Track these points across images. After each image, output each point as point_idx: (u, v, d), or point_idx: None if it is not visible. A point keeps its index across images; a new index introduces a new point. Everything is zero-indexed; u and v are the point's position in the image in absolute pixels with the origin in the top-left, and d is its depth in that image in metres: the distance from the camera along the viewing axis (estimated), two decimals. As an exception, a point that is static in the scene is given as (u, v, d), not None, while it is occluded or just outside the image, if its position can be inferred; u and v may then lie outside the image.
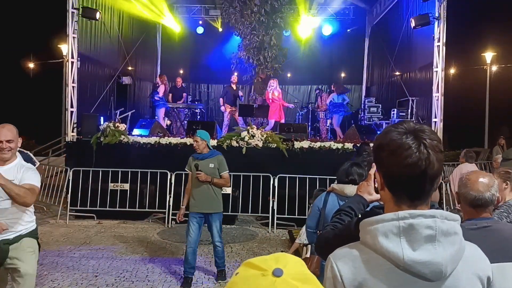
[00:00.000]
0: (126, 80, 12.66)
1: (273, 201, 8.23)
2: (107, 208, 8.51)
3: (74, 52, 9.82)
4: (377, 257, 1.17)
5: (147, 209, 8.66)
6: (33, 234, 3.44)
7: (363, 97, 15.97)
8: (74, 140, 9.63)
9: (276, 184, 8.26)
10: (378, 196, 1.74)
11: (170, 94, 12.98)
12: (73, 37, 9.79)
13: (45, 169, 10.56)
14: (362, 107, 14.65)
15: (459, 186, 2.33)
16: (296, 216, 8.11)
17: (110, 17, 12.05)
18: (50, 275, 5.46)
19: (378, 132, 10.79)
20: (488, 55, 20.74)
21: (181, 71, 16.30)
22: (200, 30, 15.73)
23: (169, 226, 8.29)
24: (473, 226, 2.14)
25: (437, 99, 9.62)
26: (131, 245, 6.97)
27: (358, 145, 8.10)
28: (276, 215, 8.18)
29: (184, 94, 13.46)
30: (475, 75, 23.33)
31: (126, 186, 8.62)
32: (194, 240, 5.24)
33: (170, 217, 8.34)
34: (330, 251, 1.32)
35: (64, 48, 15.15)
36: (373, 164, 1.65)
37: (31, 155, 5.51)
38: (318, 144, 8.99)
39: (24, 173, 3.27)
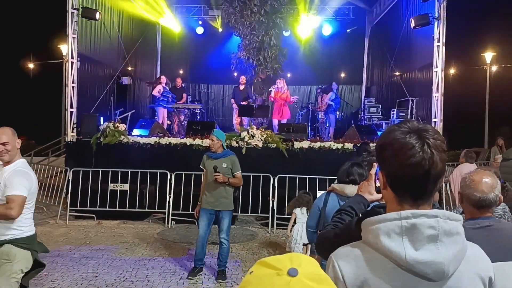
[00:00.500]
0: (126, 80, 12.65)
1: (273, 201, 8.23)
2: (107, 208, 8.51)
3: (74, 52, 9.82)
4: (379, 256, 1.17)
5: (147, 209, 8.65)
6: (19, 242, 3.21)
7: (363, 97, 15.97)
8: (74, 140, 9.63)
9: (276, 184, 8.26)
10: (379, 196, 1.74)
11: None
12: (73, 37, 9.79)
13: (45, 169, 10.57)
14: (362, 107, 14.65)
15: (463, 186, 2.32)
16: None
17: (110, 17, 12.05)
18: (50, 275, 5.45)
19: (378, 132, 10.84)
20: (488, 55, 20.75)
21: (181, 71, 16.31)
22: (200, 30, 15.73)
23: (169, 226, 8.29)
24: (475, 226, 2.13)
25: (437, 99, 9.63)
26: (131, 245, 6.97)
27: (358, 145, 8.11)
28: (276, 215, 8.17)
29: (184, 95, 13.46)
30: (475, 75, 23.36)
31: (126, 186, 8.61)
32: (203, 234, 5.52)
33: (170, 217, 8.34)
34: (330, 251, 1.32)
35: (64, 48, 15.17)
36: (374, 164, 1.65)
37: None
38: (318, 144, 8.99)
39: (8, 178, 3.16)
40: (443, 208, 5.87)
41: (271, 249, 7.09)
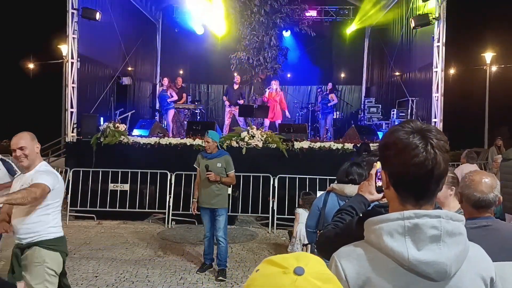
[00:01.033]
0: (126, 80, 12.66)
1: (273, 202, 8.23)
2: (107, 209, 8.51)
3: (74, 53, 9.83)
4: (382, 256, 1.17)
5: (147, 210, 8.66)
6: (47, 243, 3.18)
7: (363, 97, 15.98)
8: (74, 141, 9.63)
9: (276, 185, 8.26)
10: (379, 195, 1.75)
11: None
12: (73, 38, 9.80)
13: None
14: (362, 107, 14.67)
15: (462, 186, 2.32)
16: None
17: (110, 17, 12.04)
18: (50, 275, 5.45)
19: (378, 133, 10.84)
20: (488, 55, 20.75)
21: (181, 72, 16.30)
22: (200, 30, 15.70)
23: (169, 227, 8.29)
24: (473, 225, 2.14)
25: (437, 99, 9.63)
26: (131, 246, 6.97)
27: (358, 145, 8.11)
28: (276, 216, 8.18)
29: (184, 95, 13.46)
30: (475, 75, 23.36)
31: (126, 187, 8.62)
32: (208, 231, 5.73)
33: (170, 217, 8.34)
34: (331, 250, 1.32)
35: (64, 48, 15.16)
36: (374, 164, 1.65)
37: (13, 164, 5.50)
38: (318, 144, 9.00)
39: (34, 175, 3.20)
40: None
41: (271, 249, 7.09)
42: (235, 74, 13.24)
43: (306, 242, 4.95)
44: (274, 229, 8.13)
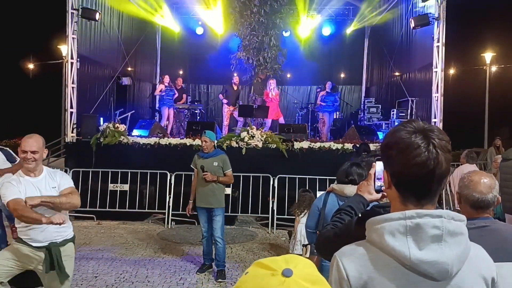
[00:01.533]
0: (125, 81, 12.66)
1: (272, 202, 8.23)
2: (107, 209, 8.51)
3: (74, 53, 9.83)
4: (384, 255, 1.17)
5: (146, 210, 8.66)
6: (73, 239, 3.55)
7: (362, 97, 15.98)
8: (73, 141, 9.63)
9: (275, 185, 8.26)
10: (378, 195, 1.75)
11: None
12: (73, 38, 9.80)
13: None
14: (362, 107, 14.66)
15: (461, 186, 2.32)
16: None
17: (109, 17, 12.05)
18: (50, 276, 5.45)
19: (378, 133, 10.84)
20: (488, 56, 20.75)
21: (181, 72, 16.29)
22: (199, 30, 15.72)
23: (169, 227, 8.29)
24: (470, 226, 2.13)
25: (437, 100, 9.63)
26: (130, 246, 6.97)
27: (358, 145, 8.11)
28: (276, 216, 8.18)
29: (184, 95, 13.47)
30: (475, 75, 23.35)
31: (126, 187, 8.62)
32: (205, 231, 5.71)
33: (170, 217, 8.34)
34: (330, 250, 1.32)
35: (64, 48, 15.15)
36: (373, 164, 1.65)
37: (11, 152, 5.53)
38: (317, 145, 9.00)
39: (60, 179, 3.38)
40: (443, 208, 5.87)
41: (271, 249, 7.09)
42: (235, 74, 13.24)
43: (307, 242, 4.95)
44: (274, 229, 8.13)
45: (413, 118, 11.10)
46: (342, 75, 16.72)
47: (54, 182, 3.35)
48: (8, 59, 24.36)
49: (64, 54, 15.93)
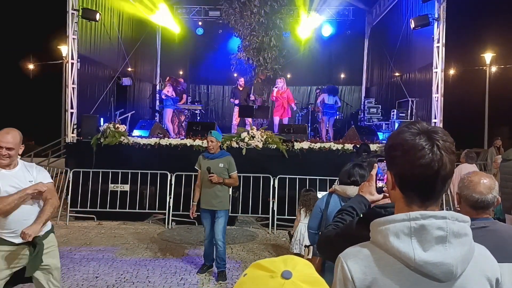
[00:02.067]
0: (126, 81, 12.66)
1: (273, 202, 8.24)
2: (107, 209, 8.51)
3: (74, 53, 9.83)
4: (388, 257, 1.17)
5: (147, 210, 8.66)
6: (53, 229, 3.60)
7: (362, 98, 15.99)
8: (74, 141, 9.63)
9: (276, 185, 8.27)
10: (379, 196, 1.75)
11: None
12: (73, 38, 9.80)
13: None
14: (362, 108, 14.67)
15: (461, 187, 2.32)
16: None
17: (110, 18, 12.06)
18: (51, 276, 5.46)
19: (378, 133, 10.84)
20: (488, 56, 20.77)
21: (181, 72, 16.32)
22: (200, 31, 15.74)
23: (169, 227, 8.29)
24: (470, 226, 2.14)
25: (437, 100, 9.63)
26: (131, 246, 6.98)
27: (358, 145, 8.12)
28: (276, 216, 8.18)
29: (184, 95, 13.47)
30: (475, 76, 23.37)
31: (126, 187, 8.62)
32: (208, 233, 5.66)
33: (170, 218, 8.35)
34: (331, 250, 1.33)
35: (64, 49, 15.18)
36: (375, 164, 1.66)
37: None
38: (318, 145, 9.00)
39: (37, 173, 3.34)
40: (442, 208, 5.87)
41: (271, 250, 7.09)
42: (236, 75, 13.24)
43: (308, 243, 4.95)
44: (274, 230, 8.13)
45: (413, 118, 11.12)
46: (342, 76, 16.74)
47: (31, 176, 3.30)
48: (8, 60, 24.37)
49: (64, 54, 15.97)
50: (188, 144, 8.98)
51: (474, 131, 21.53)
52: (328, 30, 15.36)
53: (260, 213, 8.46)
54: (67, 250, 6.64)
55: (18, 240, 3.19)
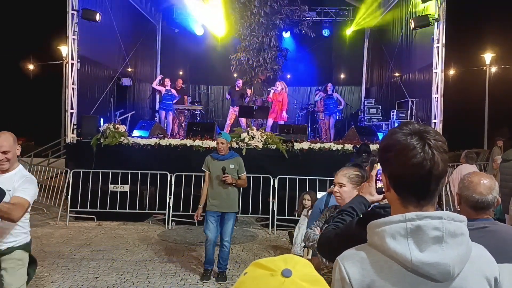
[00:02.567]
0: (126, 81, 12.67)
1: (273, 202, 8.24)
2: (107, 210, 8.51)
3: (74, 54, 9.83)
4: (385, 258, 1.18)
5: (147, 211, 8.66)
6: (25, 247, 3.25)
7: (362, 98, 15.99)
8: (74, 142, 9.63)
9: (276, 185, 8.27)
10: (379, 196, 1.76)
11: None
12: (73, 39, 9.80)
13: (45, 170, 10.57)
14: (362, 108, 14.67)
15: (461, 187, 2.32)
16: (296, 217, 8.09)
17: (110, 18, 12.05)
18: (51, 276, 5.46)
19: (378, 133, 10.84)
20: (487, 56, 20.77)
21: (181, 72, 16.31)
22: (199, 31, 15.73)
23: (169, 228, 8.29)
24: (470, 227, 2.13)
25: (437, 100, 9.64)
26: (131, 247, 6.98)
27: (358, 146, 8.11)
28: (276, 216, 8.18)
29: (186, 97, 13.49)
30: (475, 76, 23.37)
31: (126, 188, 8.62)
32: (214, 238, 5.45)
33: (171, 218, 8.35)
34: (331, 251, 1.33)
35: (64, 49, 15.19)
36: (375, 165, 1.66)
37: None
38: (318, 145, 9.00)
39: (20, 184, 3.10)
40: (442, 209, 5.86)
41: (271, 250, 7.09)
42: (236, 75, 13.23)
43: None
44: (275, 230, 8.13)
45: (413, 118, 11.11)
46: (342, 76, 16.74)
47: (11, 185, 3.09)
48: (8, 60, 24.38)
49: (64, 54, 15.98)
50: (188, 145, 8.98)
51: (474, 131, 21.54)
52: (328, 30, 15.37)
53: (260, 213, 8.46)
54: (67, 250, 6.64)
55: None
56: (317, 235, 2.81)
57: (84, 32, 10.27)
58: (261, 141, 8.83)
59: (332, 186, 3.46)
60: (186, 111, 13.08)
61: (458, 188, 2.37)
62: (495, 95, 21.29)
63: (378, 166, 1.62)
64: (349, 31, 15.47)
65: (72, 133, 9.75)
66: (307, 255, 4.92)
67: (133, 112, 12.66)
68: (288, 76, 15.55)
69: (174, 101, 12.41)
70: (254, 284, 0.87)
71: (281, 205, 8.24)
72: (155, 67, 16.39)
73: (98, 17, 10.14)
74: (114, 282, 5.35)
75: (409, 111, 11.53)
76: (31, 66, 22.97)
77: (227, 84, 15.93)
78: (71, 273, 5.63)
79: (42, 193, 9.29)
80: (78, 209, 8.59)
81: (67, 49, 9.87)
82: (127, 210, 8.53)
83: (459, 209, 2.42)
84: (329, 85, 12.80)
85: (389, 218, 1.19)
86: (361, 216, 1.73)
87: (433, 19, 9.50)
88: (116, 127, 9.12)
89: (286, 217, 8.16)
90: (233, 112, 12.40)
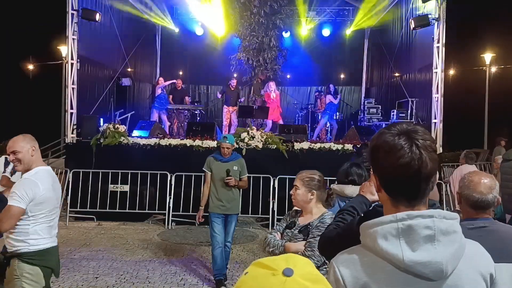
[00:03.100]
0: (125, 81, 12.67)
1: (273, 202, 8.23)
2: (107, 210, 8.51)
3: (74, 54, 9.83)
4: (378, 259, 1.18)
5: (147, 211, 8.66)
6: (26, 256, 2.96)
7: (362, 98, 15.98)
8: (74, 142, 9.63)
9: (276, 185, 8.26)
10: (380, 196, 1.75)
11: (171, 96, 12.99)
12: (73, 39, 9.80)
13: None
14: (362, 108, 14.66)
15: (461, 187, 2.33)
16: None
17: (109, 18, 12.05)
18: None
19: (377, 134, 10.84)
20: (487, 56, 20.77)
21: (181, 72, 16.30)
22: (199, 31, 15.73)
23: (169, 228, 8.29)
24: (469, 226, 2.14)
25: (437, 100, 9.63)
26: (131, 247, 6.97)
27: (358, 146, 8.11)
28: (276, 216, 8.16)
29: (187, 98, 13.48)
30: (475, 76, 23.36)
31: (126, 188, 8.62)
32: (221, 240, 5.29)
33: (170, 218, 8.34)
34: (332, 250, 1.33)
35: (64, 49, 15.16)
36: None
37: None
38: (318, 145, 9.00)
39: (15, 186, 2.97)
40: (443, 209, 5.85)
41: (271, 250, 7.07)
42: (235, 75, 13.22)
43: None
44: (274, 230, 8.12)
45: (413, 118, 11.12)
46: (342, 76, 16.73)
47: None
48: (8, 60, 24.36)
49: (64, 54, 15.94)
50: (188, 145, 8.97)
51: (474, 131, 21.53)
52: (327, 31, 15.38)
53: (260, 213, 8.46)
54: (67, 250, 6.63)
55: None
56: (277, 241, 2.78)
57: (84, 32, 10.27)
58: (261, 141, 8.82)
59: (331, 185, 3.46)
60: (186, 111, 13.07)
61: (459, 187, 2.37)
62: (495, 95, 21.28)
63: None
64: (349, 31, 15.47)
65: (72, 133, 9.75)
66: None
67: (133, 112, 12.65)
68: (288, 76, 15.55)
69: (170, 105, 12.36)
70: (255, 284, 0.87)
71: (281, 205, 8.23)
72: (155, 67, 16.39)
73: (98, 17, 10.14)
74: (114, 282, 5.34)
75: (409, 111, 11.53)
76: (31, 66, 22.97)
77: (227, 84, 15.93)
78: (71, 273, 5.63)
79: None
80: (78, 209, 8.58)
81: (67, 49, 9.86)
82: (127, 210, 8.53)
83: (459, 208, 2.42)
84: (331, 86, 12.81)
85: (380, 219, 1.19)
86: (362, 215, 1.72)
87: (433, 19, 9.50)
88: (116, 127, 9.11)
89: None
90: (227, 111, 12.35)
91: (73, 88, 9.84)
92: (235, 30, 13.43)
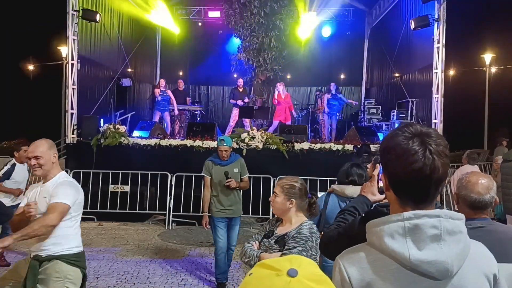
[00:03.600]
0: (126, 82, 12.66)
1: (273, 203, 8.22)
2: (108, 210, 8.52)
3: (74, 54, 9.83)
4: (384, 257, 1.18)
5: (147, 211, 8.66)
6: (69, 258, 3.06)
7: (362, 98, 15.97)
8: (74, 142, 9.64)
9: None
10: (381, 196, 1.76)
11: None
12: (73, 39, 9.80)
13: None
14: (362, 108, 14.66)
15: (459, 187, 2.34)
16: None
17: (110, 19, 12.06)
18: (51, 277, 5.46)
19: (379, 134, 10.85)
20: (487, 57, 20.78)
21: (181, 73, 16.32)
22: (200, 31, 15.72)
23: (170, 228, 8.29)
24: (467, 226, 2.14)
25: (437, 101, 9.64)
26: (131, 247, 6.98)
27: (359, 146, 8.12)
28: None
29: (188, 99, 13.48)
30: (475, 76, 23.37)
31: (127, 188, 8.62)
32: (224, 245, 5.20)
33: (171, 218, 8.35)
34: (334, 250, 1.33)
35: (64, 50, 15.18)
36: (377, 165, 1.66)
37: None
38: (318, 146, 9.00)
39: (53, 189, 3.02)
40: (443, 209, 5.82)
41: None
42: (236, 75, 13.22)
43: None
44: (275, 230, 8.12)
45: (413, 119, 11.12)
46: (342, 76, 16.73)
47: (48, 193, 3.02)
48: (8, 61, 24.38)
49: (64, 55, 15.98)
50: (188, 145, 8.98)
51: (474, 131, 21.53)
52: (328, 31, 15.37)
53: (260, 213, 8.46)
54: (67, 251, 6.63)
55: (32, 252, 3.05)
56: (253, 251, 2.65)
57: (84, 32, 10.27)
58: (262, 141, 8.83)
59: (332, 186, 3.48)
60: (186, 112, 13.07)
61: (456, 187, 2.38)
62: (495, 95, 21.29)
63: (379, 166, 1.62)
64: (349, 31, 15.47)
65: (72, 133, 9.75)
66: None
67: (133, 112, 12.65)
68: (288, 77, 15.54)
69: (171, 107, 12.36)
70: (260, 284, 0.87)
71: (282, 205, 8.22)
72: (155, 67, 16.40)
73: (98, 17, 10.15)
74: (114, 283, 5.35)
75: (409, 112, 11.54)
76: (31, 67, 22.97)
77: (227, 84, 15.93)
78: (72, 273, 5.63)
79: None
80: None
81: (67, 50, 9.86)
82: (128, 211, 8.53)
83: (457, 209, 2.43)
84: (332, 85, 12.79)
85: (387, 218, 1.20)
86: (363, 215, 1.73)
87: (433, 19, 9.50)
88: (116, 127, 9.12)
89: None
90: (236, 113, 12.36)
91: (73, 89, 9.84)
92: (235, 30, 13.42)
